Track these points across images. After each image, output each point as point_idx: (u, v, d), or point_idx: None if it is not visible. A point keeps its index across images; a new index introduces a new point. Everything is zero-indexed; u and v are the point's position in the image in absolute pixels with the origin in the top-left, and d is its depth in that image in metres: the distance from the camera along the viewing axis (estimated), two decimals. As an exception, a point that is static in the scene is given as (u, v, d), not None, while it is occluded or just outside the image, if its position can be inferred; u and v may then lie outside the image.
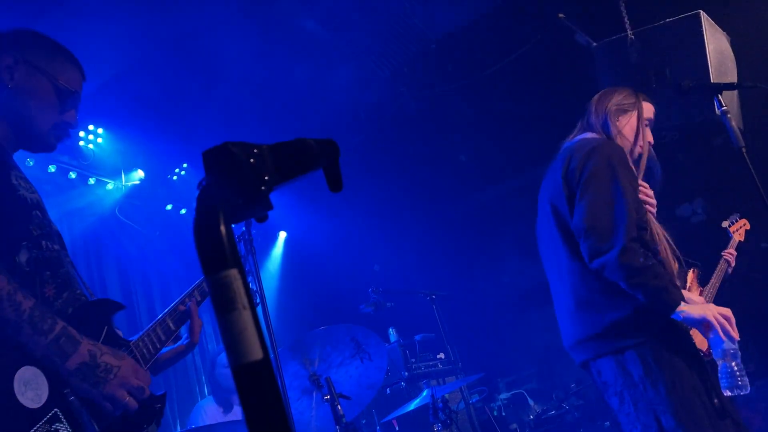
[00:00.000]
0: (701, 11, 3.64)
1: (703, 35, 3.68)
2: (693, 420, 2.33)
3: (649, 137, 2.84)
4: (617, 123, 2.80)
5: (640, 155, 2.80)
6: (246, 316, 0.61)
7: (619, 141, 2.76)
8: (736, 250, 4.04)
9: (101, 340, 1.89)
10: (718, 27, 3.90)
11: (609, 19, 4.04)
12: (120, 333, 2.01)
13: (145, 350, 2.04)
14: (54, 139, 2.07)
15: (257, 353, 0.60)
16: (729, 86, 3.16)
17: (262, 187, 0.68)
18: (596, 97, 2.90)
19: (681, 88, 3.04)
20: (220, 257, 0.62)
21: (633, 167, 2.68)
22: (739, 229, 4.12)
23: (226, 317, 0.61)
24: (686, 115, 3.79)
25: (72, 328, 1.76)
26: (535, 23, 5.59)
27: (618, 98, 2.85)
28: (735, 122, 3.04)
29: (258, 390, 0.59)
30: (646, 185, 2.79)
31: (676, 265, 2.71)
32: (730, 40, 4.03)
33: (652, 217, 2.66)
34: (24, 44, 2.02)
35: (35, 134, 2.02)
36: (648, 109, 2.86)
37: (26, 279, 1.79)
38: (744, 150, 2.88)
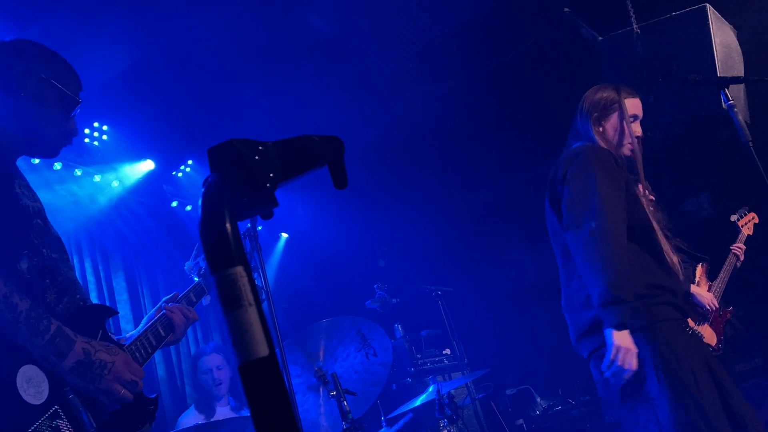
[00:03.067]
0: (707, 4, 3.62)
1: (709, 29, 3.66)
2: (689, 416, 2.32)
3: (637, 131, 2.82)
4: (598, 126, 2.81)
5: (632, 151, 2.80)
6: (252, 313, 0.61)
7: (603, 143, 2.76)
8: (745, 243, 4.03)
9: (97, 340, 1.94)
10: (724, 20, 3.88)
11: (614, 13, 4.02)
12: (113, 337, 2.06)
13: (137, 354, 2.10)
14: (59, 146, 2.13)
15: (263, 350, 0.60)
16: (736, 80, 3.15)
17: (267, 184, 0.68)
18: (582, 99, 2.91)
19: (687, 82, 3.02)
20: (226, 255, 0.62)
21: (621, 168, 2.69)
22: (747, 223, 4.11)
23: (232, 314, 0.61)
24: (693, 109, 3.77)
25: (67, 327, 1.82)
26: (541, 17, 5.57)
27: (597, 99, 2.84)
28: (742, 116, 3.02)
29: (264, 387, 0.59)
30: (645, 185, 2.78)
31: (676, 258, 2.71)
32: (736, 33, 4.01)
33: (649, 214, 2.65)
34: (32, 55, 2.07)
35: (43, 141, 2.08)
36: (632, 105, 2.83)
37: (27, 286, 1.84)
38: (751, 144, 2.86)
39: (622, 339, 2.34)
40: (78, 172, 5.32)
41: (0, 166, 1.93)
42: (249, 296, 0.61)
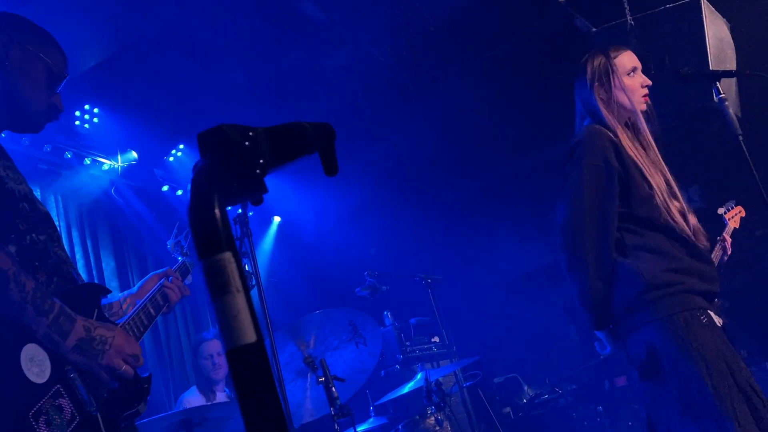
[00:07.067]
0: (701, -3, 3.63)
1: (702, 22, 3.67)
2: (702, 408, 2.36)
3: (639, 82, 2.75)
4: (604, 96, 2.75)
5: (647, 104, 2.76)
6: (240, 299, 0.61)
7: (611, 116, 2.71)
8: (731, 237, 4.05)
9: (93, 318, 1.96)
10: (718, 14, 3.88)
11: (609, 5, 4.02)
12: (107, 316, 2.08)
13: (130, 333, 2.11)
14: (44, 121, 2.09)
15: (251, 336, 0.60)
16: (727, 74, 3.15)
17: (257, 170, 0.68)
18: (577, 76, 2.85)
19: (679, 75, 3.02)
20: (215, 240, 0.62)
21: (631, 138, 2.69)
22: (734, 216, 4.13)
23: (221, 300, 0.61)
24: (684, 102, 3.79)
25: (66, 306, 1.82)
26: (535, 7, 5.56)
27: (592, 71, 2.78)
28: (733, 110, 3.03)
29: (251, 373, 0.60)
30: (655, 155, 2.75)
31: (695, 222, 2.68)
32: (730, 27, 4.02)
33: (666, 196, 2.63)
34: (16, 26, 2.03)
35: (27, 115, 2.04)
36: (626, 60, 2.77)
37: None
38: (741, 138, 2.87)
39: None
40: (68, 155, 5.28)
41: None
42: (237, 282, 0.61)
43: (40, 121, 2.07)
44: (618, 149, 2.65)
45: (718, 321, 2.55)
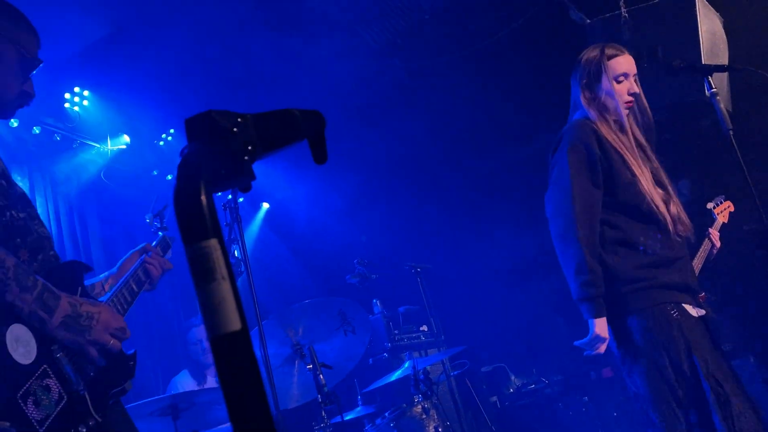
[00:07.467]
0: (696, -8, 3.63)
1: (696, 16, 3.67)
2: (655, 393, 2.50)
3: (626, 88, 2.78)
4: (589, 93, 2.81)
5: (629, 110, 2.81)
6: (225, 286, 0.60)
7: (594, 112, 2.77)
8: (719, 231, 4.07)
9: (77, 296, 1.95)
10: (711, 8, 3.89)
11: (604, -3, 4.01)
12: (90, 294, 2.07)
13: (117, 307, 2.11)
14: (15, 108, 2.04)
15: (235, 324, 0.60)
16: (719, 68, 3.15)
17: (246, 157, 0.67)
18: (575, 65, 2.90)
19: (672, 68, 3.03)
20: (201, 227, 0.61)
21: (614, 130, 2.74)
22: (723, 211, 4.14)
23: (205, 288, 0.60)
24: (676, 95, 3.79)
25: (49, 284, 1.80)
26: (530, -2, 5.54)
27: (584, 64, 2.83)
28: (724, 104, 3.04)
29: (235, 361, 0.59)
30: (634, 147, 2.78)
31: (678, 211, 2.73)
32: (723, 21, 4.02)
33: (643, 186, 2.67)
34: None
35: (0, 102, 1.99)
36: (619, 64, 2.79)
37: None
38: (731, 132, 2.89)
39: (599, 327, 2.58)
40: (57, 138, 5.24)
41: None
42: (222, 270, 0.61)
43: (10, 109, 2.02)
44: (599, 138, 2.71)
45: (695, 312, 2.61)
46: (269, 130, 0.72)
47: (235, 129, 0.67)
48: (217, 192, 0.67)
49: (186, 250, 0.62)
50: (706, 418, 2.45)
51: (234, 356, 0.59)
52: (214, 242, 0.61)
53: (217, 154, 0.66)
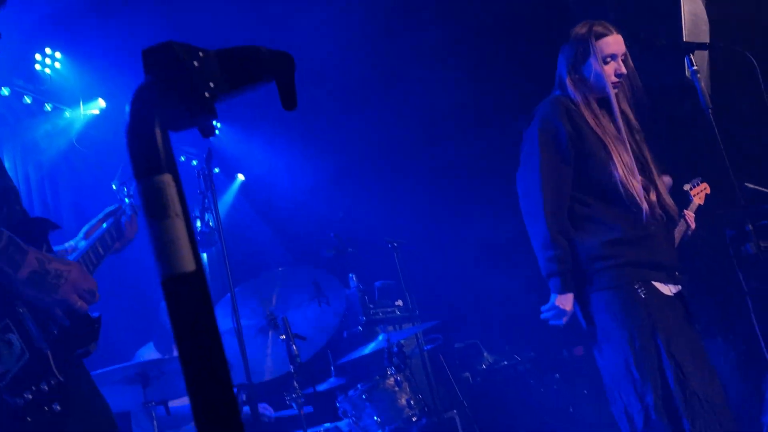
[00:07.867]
0: (680, -31, 3.61)
1: (679, -5, 3.66)
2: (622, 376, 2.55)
3: (614, 69, 2.75)
4: (574, 73, 2.80)
5: (617, 90, 2.80)
6: (179, 224, 0.56)
7: (576, 92, 2.76)
8: (695, 213, 4.09)
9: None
10: (695, -12, 3.87)
11: (588, -27, 3.98)
12: (56, 252, 2.01)
13: (87, 266, 2.07)
14: None
15: (189, 265, 0.56)
16: (701, 46, 3.15)
17: (206, 94, 0.63)
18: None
19: (655, 46, 3.01)
20: (153, 161, 0.57)
21: (594, 108, 2.74)
22: (699, 193, 4.16)
23: (157, 225, 0.56)
24: (657, 75, 3.79)
25: (16, 237, 1.74)
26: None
27: (571, 43, 2.81)
28: (704, 84, 3.03)
29: (189, 304, 0.56)
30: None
31: (653, 194, 2.73)
32: (705, 2, 4.01)
33: (623, 166, 2.66)
34: None
35: None
36: (606, 44, 2.76)
37: None
38: (711, 111, 2.89)
39: (561, 301, 2.64)
40: (28, 100, 5.08)
41: None
42: (177, 206, 0.57)
43: None
44: (572, 115, 2.71)
45: (667, 290, 2.63)
46: (233, 66, 0.67)
47: (195, 62, 0.63)
48: (176, 130, 0.63)
49: (137, 186, 0.58)
50: (667, 398, 2.47)
51: (187, 299, 0.55)
52: (167, 177, 0.57)
53: (175, 88, 0.61)
